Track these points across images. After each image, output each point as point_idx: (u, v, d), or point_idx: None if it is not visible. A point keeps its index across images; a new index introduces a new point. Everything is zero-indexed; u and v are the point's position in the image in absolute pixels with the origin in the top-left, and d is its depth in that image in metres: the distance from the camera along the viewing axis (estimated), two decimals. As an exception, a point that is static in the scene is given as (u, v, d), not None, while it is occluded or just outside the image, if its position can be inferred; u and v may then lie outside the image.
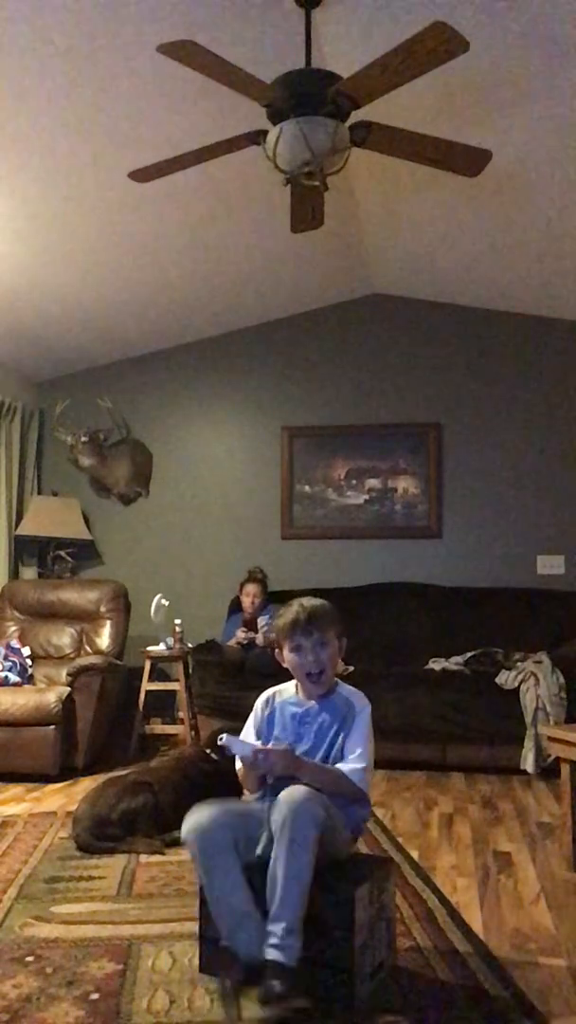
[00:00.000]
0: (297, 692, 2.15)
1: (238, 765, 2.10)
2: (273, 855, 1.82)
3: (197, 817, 1.92)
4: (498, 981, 1.98)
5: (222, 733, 2.06)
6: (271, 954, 1.77)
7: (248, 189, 3.86)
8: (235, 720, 3.75)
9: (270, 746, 2.01)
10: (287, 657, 2.10)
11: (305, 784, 1.90)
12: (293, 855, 1.78)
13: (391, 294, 5.63)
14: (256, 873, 1.90)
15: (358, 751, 2.02)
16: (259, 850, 1.93)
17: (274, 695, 2.18)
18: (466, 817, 3.48)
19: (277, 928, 1.78)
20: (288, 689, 2.18)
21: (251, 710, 2.22)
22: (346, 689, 2.15)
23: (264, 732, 2.14)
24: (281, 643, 2.11)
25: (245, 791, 2.18)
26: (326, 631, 2.07)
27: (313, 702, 2.11)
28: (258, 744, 2.02)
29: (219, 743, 2.01)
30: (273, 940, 1.78)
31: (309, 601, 2.10)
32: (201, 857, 1.88)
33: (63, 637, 5.02)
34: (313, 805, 1.83)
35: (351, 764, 2.01)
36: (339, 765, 2.02)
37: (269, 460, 5.72)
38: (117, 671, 4.71)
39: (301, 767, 1.97)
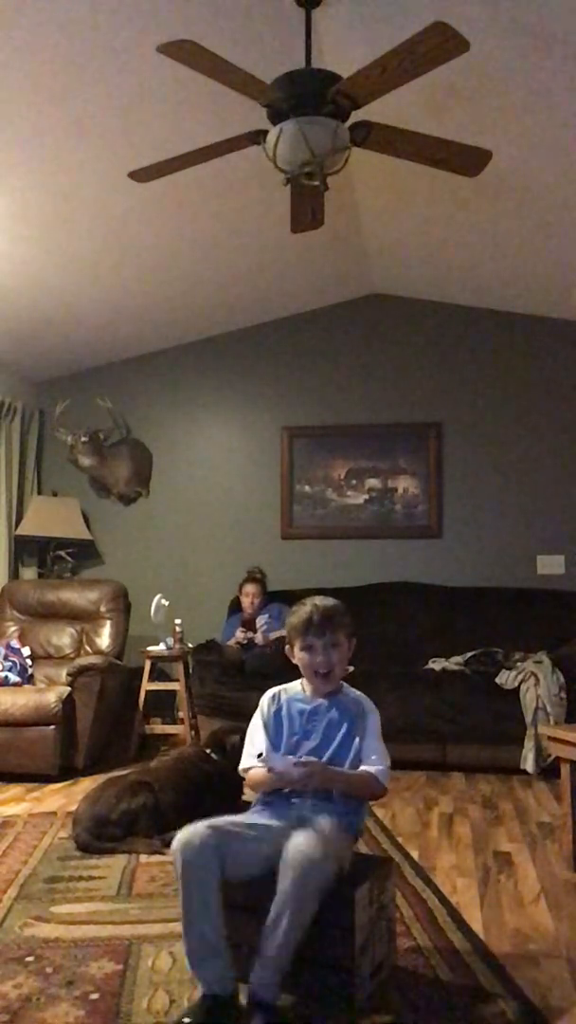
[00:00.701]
0: (304, 690, 2.17)
1: (252, 771, 2.09)
2: (280, 897, 1.77)
3: (187, 833, 1.87)
4: (498, 981, 1.98)
5: (245, 767, 2.07)
6: (260, 992, 1.76)
7: (248, 189, 3.86)
8: (235, 720, 3.76)
9: (304, 759, 2.00)
10: (298, 655, 2.13)
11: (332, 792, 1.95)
12: (300, 909, 1.77)
13: (391, 294, 5.63)
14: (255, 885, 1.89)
15: (378, 752, 2.07)
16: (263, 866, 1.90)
17: (280, 692, 2.20)
18: (466, 817, 3.48)
19: (267, 973, 1.77)
20: (294, 687, 2.19)
21: (250, 710, 2.22)
22: (352, 691, 2.18)
23: (272, 728, 2.15)
24: (293, 641, 2.13)
25: (246, 789, 2.17)
26: (337, 632, 2.10)
27: (320, 699, 2.13)
28: (292, 759, 2.00)
29: (259, 759, 2.02)
30: (264, 980, 1.77)
31: (323, 601, 2.13)
32: (183, 874, 1.84)
33: (63, 637, 5.02)
34: (326, 864, 1.80)
35: (376, 765, 2.04)
36: (364, 767, 2.04)
37: (269, 460, 5.72)
38: (117, 671, 4.71)
39: (335, 780, 2.00)
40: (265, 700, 2.19)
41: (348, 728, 2.08)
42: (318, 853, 1.79)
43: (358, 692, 2.18)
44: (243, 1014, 1.78)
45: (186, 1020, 1.74)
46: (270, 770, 1.97)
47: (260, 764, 2.04)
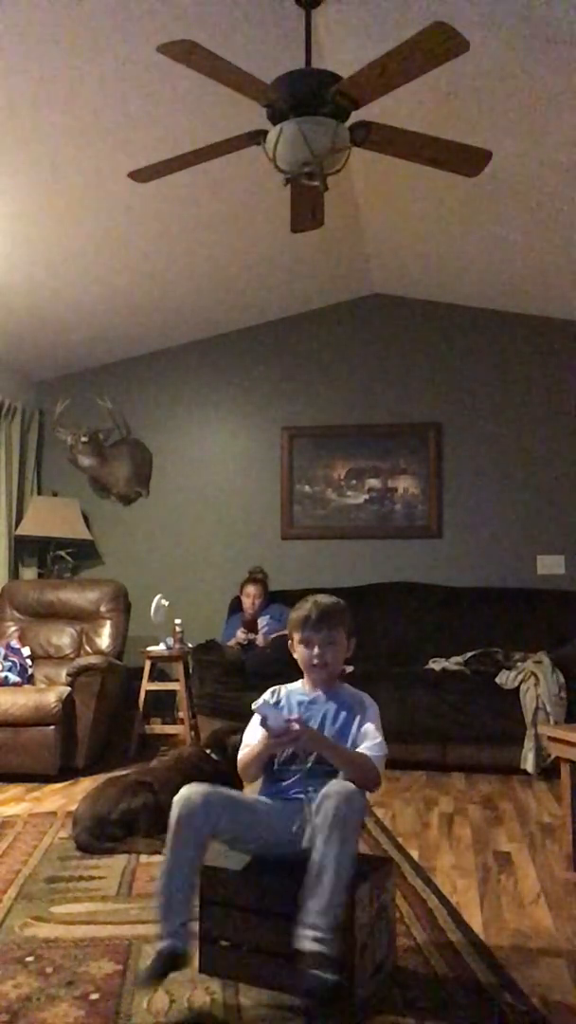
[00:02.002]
0: (304, 686, 2.22)
1: (247, 746, 2.11)
2: (319, 844, 1.82)
3: (188, 790, 1.97)
4: (498, 981, 1.98)
5: (257, 703, 2.09)
6: (314, 946, 1.75)
7: (248, 189, 3.86)
8: (235, 720, 3.76)
9: (297, 716, 2.04)
10: (296, 648, 2.19)
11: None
12: (344, 844, 1.82)
13: (391, 294, 5.63)
14: (264, 869, 1.94)
15: (375, 738, 2.08)
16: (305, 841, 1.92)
17: (280, 687, 2.25)
18: (466, 817, 3.48)
19: (322, 922, 1.77)
20: (295, 685, 2.25)
21: (250, 711, 2.23)
22: (352, 689, 2.22)
23: None
24: (293, 635, 2.20)
25: (245, 785, 2.19)
26: (335, 629, 2.15)
27: (319, 693, 2.17)
28: (286, 714, 2.04)
29: (253, 708, 2.06)
30: (317, 934, 1.76)
31: (324, 599, 2.19)
32: (175, 828, 1.92)
33: (63, 637, 5.02)
34: (360, 797, 1.91)
35: (372, 750, 2.06)
36: (360, 748, 2.07)
37: (269, 460, 5.72)
38: (117, 671, 4.71)
39: (324, 745, 2.03)
40: (266, 694, 2.24)
41: (346, 718, 2.13)
42: (349, 786, 1.89)
43: (357, 691, 2.22)
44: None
45: (143, 972, 1.86)
46: (263, 722, 1.99)
47: (257, 740, 2.06)
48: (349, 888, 1.83)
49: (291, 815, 1.99)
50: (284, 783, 2.09)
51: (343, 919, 1.82)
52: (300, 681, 2.24)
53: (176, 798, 1.96)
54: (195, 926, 1.98)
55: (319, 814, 1.86)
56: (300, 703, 2.17)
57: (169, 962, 1.85)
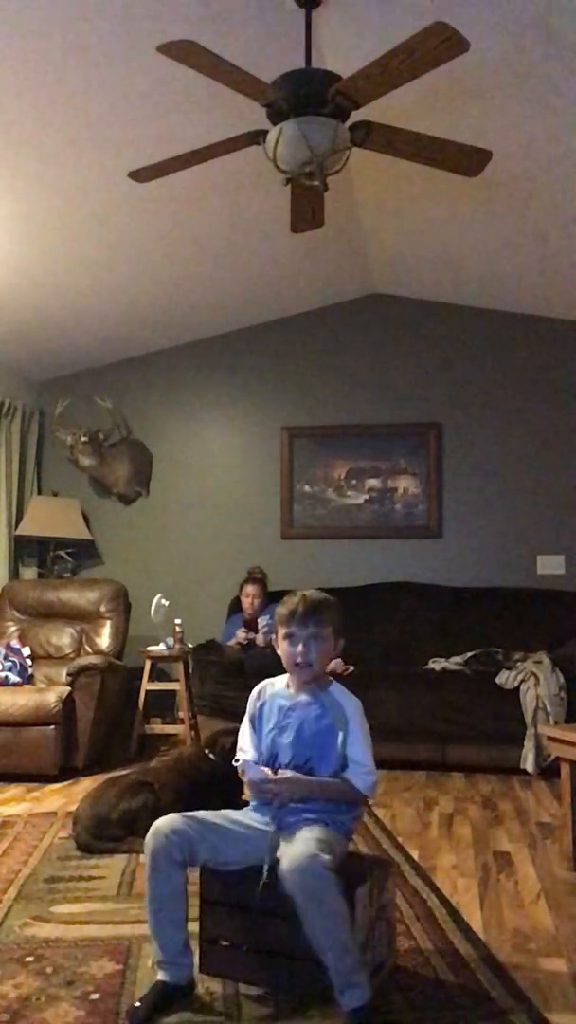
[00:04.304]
0: (288, 686, 2.15)
1: (243, 750, 2.13)
2: (304, 922, 1.77)
3: (158, 823, 1.92)
4: (498, 981, 1.98)
5: (238, 759, 2.08)
6: (354, 1001, 1.76)
7: (248, 189, 3.86)
8: (235, 720, 3.76)
9: (280, 775, 2.00)
10: (280, 645, 2.10)
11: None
12: (322, 907, 1.74)
13: (391, 294, 5.63)
14: (246, 882, 1.92)
15: (361, 759, 2.03)
16: (264, 875, 1.90)
17: (266, 686, 2.19)
18: (466, 817, 3.48)
19: (342, 980, 1.76)
20: (280, 682, 2.18)
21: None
22: (337, 690, 2.13)
23: (257, 723, 2.15)
24: (278, 630, 2.11)
25: (247, 789, 2.18)
26: (322, 626, 2.05)
27: (302, 696, 2.10)
28: (268, 771, 2.02)
29: (235, 764, 2.05)
30: (348, 985, 1.76)
31: (312, 594, 2.09)
32: (149, 861, 1.89)
33: (63, 637, 5.02)
34: (317, 861, 1.77)
35: (358, 774, 2.02)
36: (347, 773, 2.02)
37: (269, 460, 5.72)
38: (117, 671, 4.71)
39: (310, 790, 1.99)
40: (252, 695, 2.19)
41: (328, 724, 2.05)
42: (303, 858, 1.77)
43: (346, 694, 2.13)
44: (200, 1005, 1.86)
45: (136, 1004, 1.82)
46: (243, 774, 2.00)
47: (248, 765, 2.06)
48: (349, 923, 1.78)
49: (260, 834, 1.97)
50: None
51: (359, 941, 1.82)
52: (285, 677, 2.16)
53: (148, 834, 1.91)
54: (193, 956, 1.94)
55: (285, 878, 1.78)
56: (280, 708, 2.09)
57: (166, 993, 1.84)
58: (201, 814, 1.98)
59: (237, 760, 2.16)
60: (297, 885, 1.75)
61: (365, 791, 2.02)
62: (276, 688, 2.16)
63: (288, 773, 2.00)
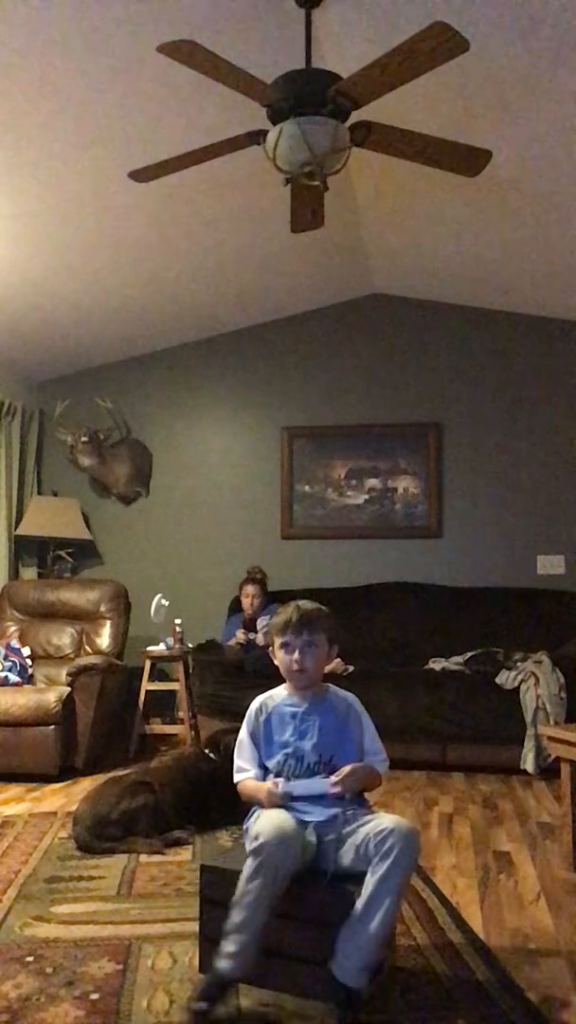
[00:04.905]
0: (288, 693, 2.19)
1: (248, 784, 2.11)
2: (377, 879, 1.81)
3: (277, 822, 1.89)
4: (498, 981, 1.98)
5: (287, 791, 2.02)
6: (350, 978, 1.80)
7: (248, 189, 3.86)
8: (235, 720, 3.76)
9: (336, 777, 2.01)
10: (277, 654, 2.18)
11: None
12: (398, 890, 1.83)
13: (391, 294, 5.63)
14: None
15: (377, 748, 2.16)
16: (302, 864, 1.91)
17: (266, 701, 2.20)
18: (466, 817, 3.48)
19: (358, 957, 1.80)
20: (279, 692, 2.21)
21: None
22: (339, 692, 2.22)
23: (263, 736, 2.15)
24: (274, 639, 2.19)
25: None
26: (316, 634, 2.13)
27: (309, 701, 2.15)
28: (322, 779, 2.03)
29: (287, 791, 2.01)
30: (356, 966, 1.80)
31: (306, 604, 2.18)
32: (268, 861, 1.82)
33: (63, 637, 5.02)
34: (418, 834, 1.89)
35: (377, 761, 2.13)
36: (369, 760, 2.12)
37: (269, 460, 5.72)
38: (117, 671, 4.71)
39: (360, 779, 2.05)
40: (252, 712, 2.19)
41: (344, 724, 2.14)
42: (413, 830, 1.87)
43: (345, 692, 2.22)
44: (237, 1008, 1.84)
45: (198, 1006, 1.76)
46: (294, 798, 1.99)
47: (270, 784, 2.04)
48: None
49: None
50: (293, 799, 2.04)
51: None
52: (283, 687, 2.20)
53: (268, 832, 1.84)
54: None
55: (382, 848, 1.83)
56: (293, 715, 2.13)
57: (226, 986, 1.81)
58: (287, 823, 1.93)
59: (239, 779, 2.14)
60: (401, 847, 1.82)
61: (384, 774, 2.15)
62: (278, 699, 2.19)
63: (346, 769, 2.03)
